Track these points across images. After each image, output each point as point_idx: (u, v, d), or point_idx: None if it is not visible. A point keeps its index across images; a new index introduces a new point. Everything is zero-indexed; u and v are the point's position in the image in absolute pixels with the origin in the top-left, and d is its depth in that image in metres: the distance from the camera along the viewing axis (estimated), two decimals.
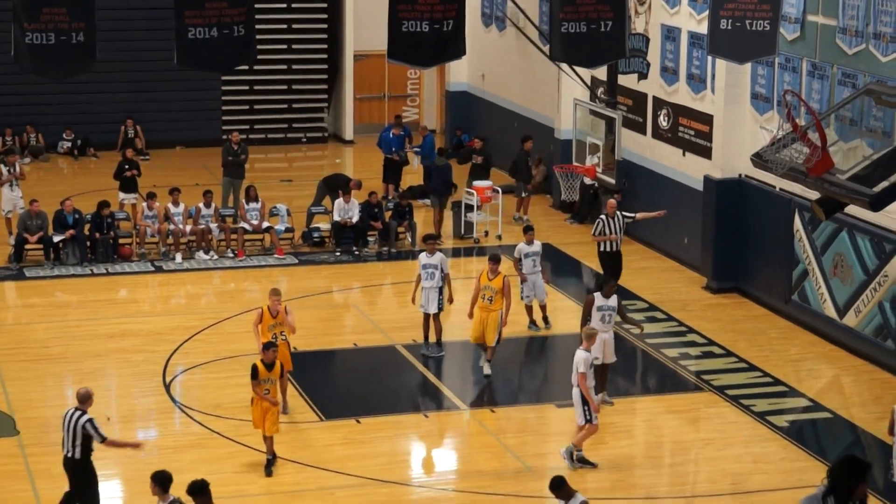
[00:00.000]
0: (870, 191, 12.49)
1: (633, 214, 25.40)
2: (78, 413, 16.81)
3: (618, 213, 25.07)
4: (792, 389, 22.27)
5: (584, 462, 19.31)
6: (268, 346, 19.07)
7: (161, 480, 14.97)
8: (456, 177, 31.62)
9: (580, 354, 19.14)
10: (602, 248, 25.24)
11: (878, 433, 20.15)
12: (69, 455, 16.87)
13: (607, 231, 25.02)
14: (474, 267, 27.41)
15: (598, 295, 21.38)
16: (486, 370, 22.32)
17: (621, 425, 20.68)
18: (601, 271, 25.69)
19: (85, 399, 16.94)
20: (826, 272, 24.06)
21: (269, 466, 18.92)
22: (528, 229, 24.92)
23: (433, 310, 23.11)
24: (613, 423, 20.38)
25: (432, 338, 23.30)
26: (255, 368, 18.75)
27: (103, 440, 16.93)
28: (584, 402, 19.02)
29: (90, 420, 16.78)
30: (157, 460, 18.95)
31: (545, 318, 24.61)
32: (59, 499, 17.86)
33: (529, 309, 24.53)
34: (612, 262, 25.16)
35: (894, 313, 22.49)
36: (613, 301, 21.32)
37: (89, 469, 16.99)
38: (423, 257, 23.19)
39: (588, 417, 19.08)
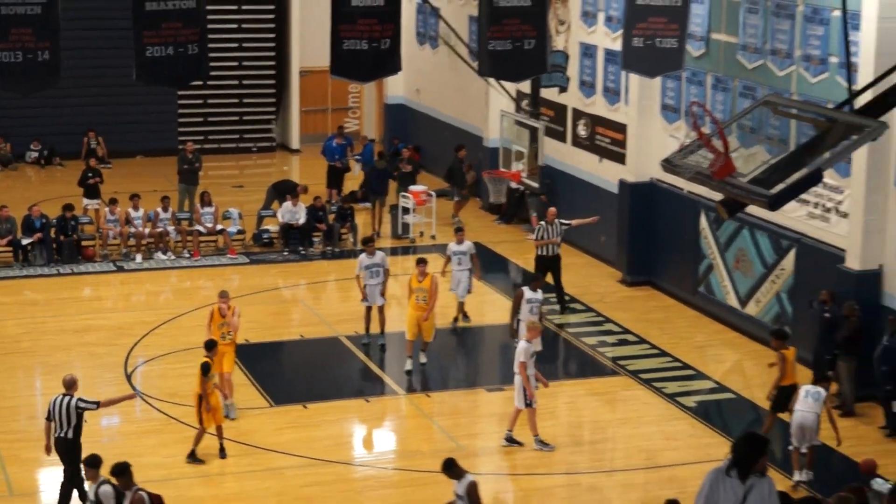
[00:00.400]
0: (768, 192, 12.54)
1: (569, 221, 25.28)
2: (67, 398, 16.98)
3: (556, 220, 24.99)
4: (699, 373, 22.40)
5: (511, 441, 19.36)
6: (210, 346, 18.95)
7: (93, 463, 15.33)
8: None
9: (522, 345, 19.18)
10: (541, 253, 25.08)
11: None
12: (62, 436, 16.97)
13: (547, 236, 24.90)
14: (411, 264, 27.31)
15: (526, 289, 21.47)
16: (423, 359, 22.25)
17: (545, 407, 20.67)
18: (530, 269, 25.69)
19: (71, 385, 17.17)
20: (729, 266, 24.22)
21: (223, 451, 18.82)
22: (458, 230, 24.91)
23: (380, 303, 23.07)
24: (538, 405, 20.40)
25: (377, 329, 23.21)
26: (207, 366, 18.56)
27: (98, 405, 17.20)
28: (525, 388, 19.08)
29: (79, 399, 16.99)
30: (121, 445, 18.86)
31: (461, 315, 24.46)
32: (28, 482, 17.75)
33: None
34: (550, 265, 25.00)
35: (791, 303, 22.66)
36: (540, 294, 21.46)
37: (78, 447, 17.09)
38: (365, 258, 23.07)
39: (528, 402, 19.13)
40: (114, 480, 14.93)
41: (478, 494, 15.28)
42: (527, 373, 19.02)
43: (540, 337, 21.10)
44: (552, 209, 25.37)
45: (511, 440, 19.34)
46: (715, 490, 10.51)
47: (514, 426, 19.35)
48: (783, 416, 18.90)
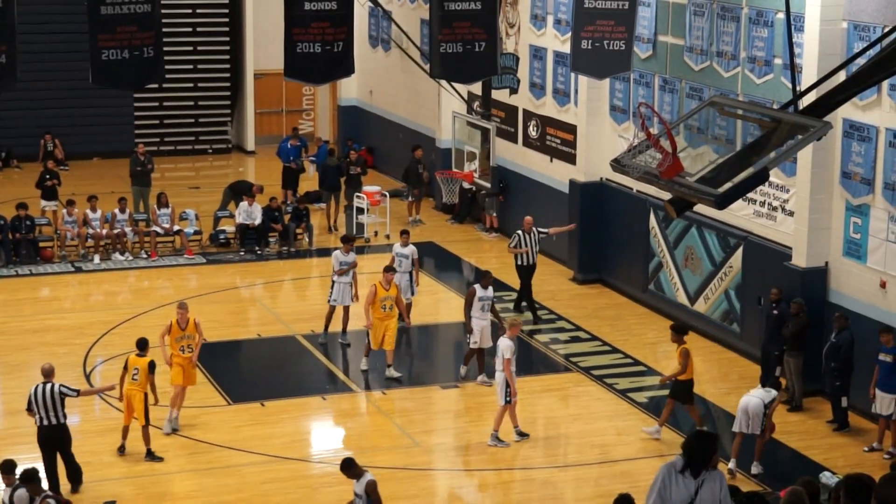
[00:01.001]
0: (715, 191, 12.54)
1: (546, 230, 25.00)
2: (49, 385, 17.08)
3: (534, 228, 24.60)
4: (650, 369, 22.43)
5: (521, 435, 19.35)
6: (143, 345, 18.77)
7: (5, 468, 15.36)
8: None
9: (504, 342, 19.08)
10: (519, 262, 24.62)
11: (726, 406, 20.39)
12: (53, 423, 17.08)
13: (523, 245, 24.58)
14: (366, 264, 27.20)
15: (478, 286, 21.42)
16: (395, 374, 21.73)
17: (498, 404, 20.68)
18: (480, 268, 25.60)
19: (49, 373, 17.33)
20: (678, 264, 24.27)
21: (124, 448, 18.84)
22: (403, 232, 24.64)
23: (348, 302, 22.91)
24: (492, 402, 20.36)
25: (338, 327, 23.03)
26: (154, 364, 18.62)
27: (78, 393, 17.46)
28: (507, 384, 18.99)
29: (61, 385, 17.14)
30: (81, 444, 18.65)
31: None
32: None
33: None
34: (527, 274, 24.67)
35: (738, 300, 22.74)
36: (491, 292, 21.42)
37: (67, 429, 17.31)
38: (340, 255, 22.93)
39: (507, 399, 19.05)
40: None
41: (377, 492, 15.24)
42: (511, 369, 18.96)
43: (489, 333, 21.18)
44: (528, 217, 24.90)
45: (498, 439, 19.21)
46: (667, 484, 10.47)
47: (500, 425, 19.24)
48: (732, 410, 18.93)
